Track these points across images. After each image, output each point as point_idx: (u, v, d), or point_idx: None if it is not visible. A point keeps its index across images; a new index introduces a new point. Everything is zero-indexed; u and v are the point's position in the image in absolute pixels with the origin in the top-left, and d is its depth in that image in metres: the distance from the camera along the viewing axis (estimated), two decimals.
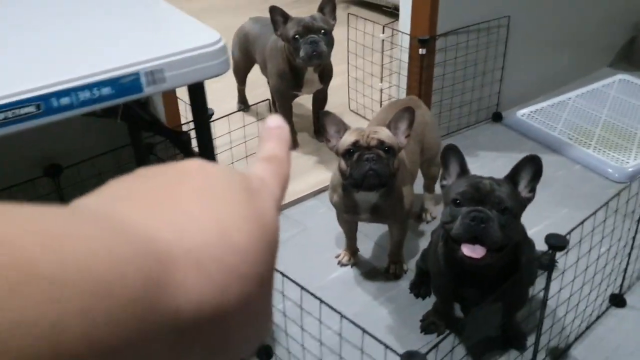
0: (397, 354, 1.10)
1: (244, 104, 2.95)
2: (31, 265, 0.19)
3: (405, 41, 2.47)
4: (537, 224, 2.06)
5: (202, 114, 1.12)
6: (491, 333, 1.69)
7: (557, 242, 1.34)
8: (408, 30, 2.44)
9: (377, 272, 2.01)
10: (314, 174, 2.46)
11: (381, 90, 2.74)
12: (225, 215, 0.26)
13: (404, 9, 2.45)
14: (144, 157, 1.76)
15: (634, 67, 3.29)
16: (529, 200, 1.44)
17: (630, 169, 2.43)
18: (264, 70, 2.61)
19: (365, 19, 2.71)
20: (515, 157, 1.49)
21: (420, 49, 2.39)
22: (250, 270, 0.25)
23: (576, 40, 3.08)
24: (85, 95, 0.92)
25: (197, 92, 1.09)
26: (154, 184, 0.27)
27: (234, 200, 0.27)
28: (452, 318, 1.78)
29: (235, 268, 0.25)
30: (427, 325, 1.77)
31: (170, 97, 1.73)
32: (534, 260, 1.59)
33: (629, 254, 1.80)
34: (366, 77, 2.79)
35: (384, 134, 1.66)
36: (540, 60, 2.95)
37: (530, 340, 1.63)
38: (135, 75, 0.98)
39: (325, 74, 2.47)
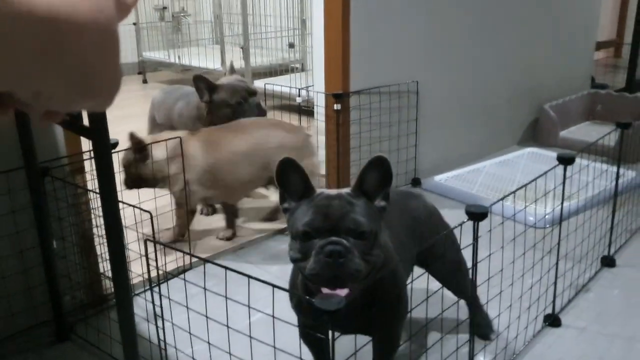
0: (283, 289, 0.97)
1: None
2: None
3: (320, 100, 2.52)
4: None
5: None
6: None
7: (477, 210, 1.28)
8: (323, 90, 2.50)
9: None
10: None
11: None
12: None
13: (318, 71, 2.52)
14: (38, 180, 1.61)
15: (540, 145, 3.46)
16: (383, 209, 1.19)
17: (548, 216, 2.46)
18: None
19: (282, 90, 2.76)
20: None
21: (335, 104, 2.43)
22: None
23: (487, 119, 3.25)
24: None
25: None
26: None
27: None
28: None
29: None
30: None
31: None
32: (402, 287, 1.31)
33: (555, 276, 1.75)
34: None
35: None
36: (453, 133, 3.06)
37: None
38: None
39: None
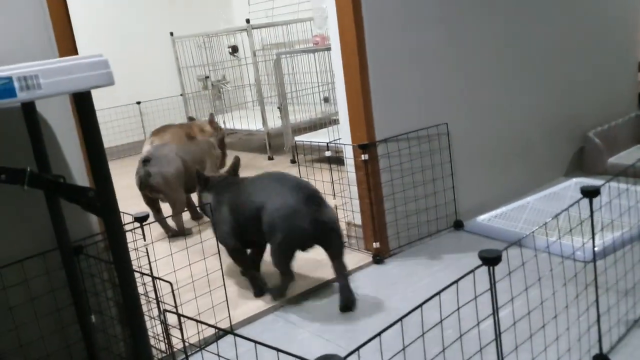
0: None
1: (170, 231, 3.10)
2: None
3: (349, 152, 2.54)
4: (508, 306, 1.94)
5: (92, 132, 1.11)
6: None
7: (489, 255, 1.25)
8: (349, 141, 2.52)
9: None
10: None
11: (336, 207, 2.74)
12: None
13: (343, 123, 2.55)
14: (72, 259, 1.69)
15: (588, 174, 3.35)
16: None
17: (597, 248, 2.36)
18: None
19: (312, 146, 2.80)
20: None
21: (362, 155, 2.44)
22: None
23: (527, 153, 3.18)
24: None
25: (83, 105, 1.09)
26: None
27: None
28: None
29: None
30: None
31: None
32: None
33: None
34: None
35: None
36: (492, 171, 3.01)
37: None
38: (7, 80, 0.99)
39: None
